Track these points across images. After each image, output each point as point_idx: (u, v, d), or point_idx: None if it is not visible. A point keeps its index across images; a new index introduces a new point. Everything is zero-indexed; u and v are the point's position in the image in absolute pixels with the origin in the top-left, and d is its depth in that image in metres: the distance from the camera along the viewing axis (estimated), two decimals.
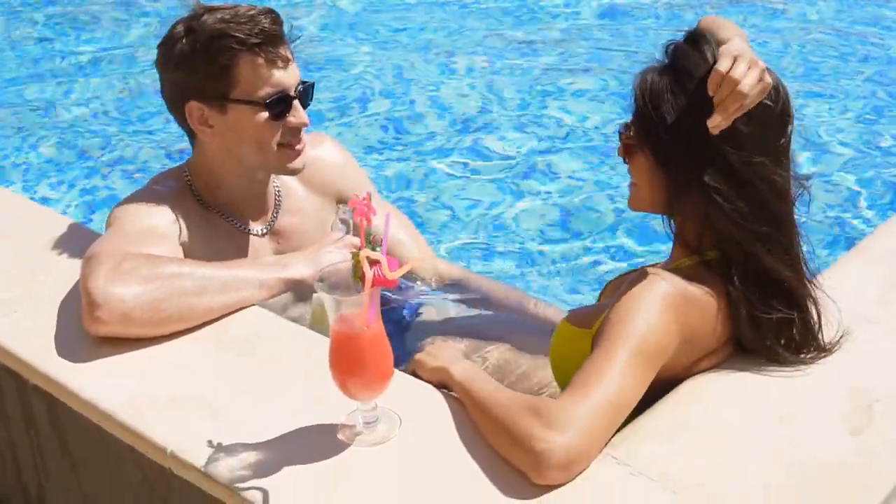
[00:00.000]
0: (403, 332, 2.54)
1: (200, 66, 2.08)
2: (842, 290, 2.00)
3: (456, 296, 2.59)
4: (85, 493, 2.01)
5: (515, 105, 4.86)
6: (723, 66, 1.67)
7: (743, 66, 1.66)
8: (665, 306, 1.66)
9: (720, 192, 1.71)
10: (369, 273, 1.51)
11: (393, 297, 2.63)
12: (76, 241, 2.23)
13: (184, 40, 2.09)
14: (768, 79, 1.69)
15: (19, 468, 2.15)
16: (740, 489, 1.55)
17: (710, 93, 1.67)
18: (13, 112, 4.92)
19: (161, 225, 2.13)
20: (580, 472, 1.53)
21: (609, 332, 1.64)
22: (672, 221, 1.85)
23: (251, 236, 2.30)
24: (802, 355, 1.81)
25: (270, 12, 2.10)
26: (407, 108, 4.85)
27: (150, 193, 2.24)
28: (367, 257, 1.50)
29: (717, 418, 1.70)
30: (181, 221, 2.17)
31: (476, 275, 2.67)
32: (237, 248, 2.26)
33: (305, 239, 2.34)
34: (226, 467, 1.62)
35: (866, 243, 2.28)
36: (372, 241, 1.54)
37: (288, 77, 2.12)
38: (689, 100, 1.72)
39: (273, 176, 2.32)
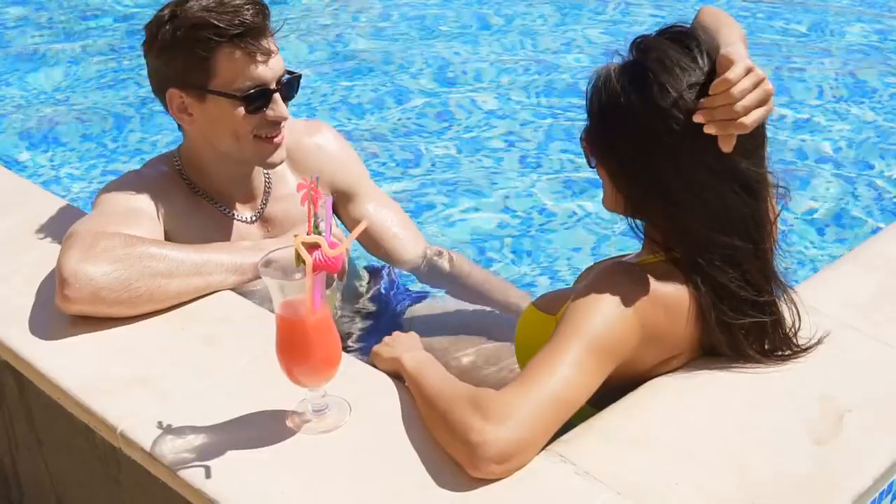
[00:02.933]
0: (399, 326, 2.52)
1: (180, 55, 2.06)
2: (830, 295, 1.95)
3: (447, 286, 2.57)
4: (49, 467, 2.03)
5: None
6: (734, 76, 1.52)
7: (749, 83, 1.53)
8: (627, 304, 1.60)
9: (681, 202, 1.63)
10: (309, 259, 1.48)
11: (384, 288, 2.62)
12: (65, 221, 2.24)
13: (167, 26, 2.07)
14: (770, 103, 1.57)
15: None
16: (686, 494, 1.49)
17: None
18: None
19: (144, 207, 2.13)
20: (519, 467, 1.49)
21: (564, 325, 1.59)
22: (636, 222, 1.80)
23: (240, 223, 2.29)
24: (778, 355, 1.74)
25: (256, 3, 2.06)
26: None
27: (138, 176, 2.25)
28: (304, 243, 1.48)
29: (675, 421, 1.65)
30: (166, 205, 2.17)
31: (470, 264, 2.63)
32: (225, 235, 2.25)
33: (295, 227, 2.32)
34: (170, 449, 1.62)
35: (862, 249, 2.19)
36: (317, 224, 1.52)
37: (268, 70, 2.08)
38: (657, 110, 1.60)
39: None
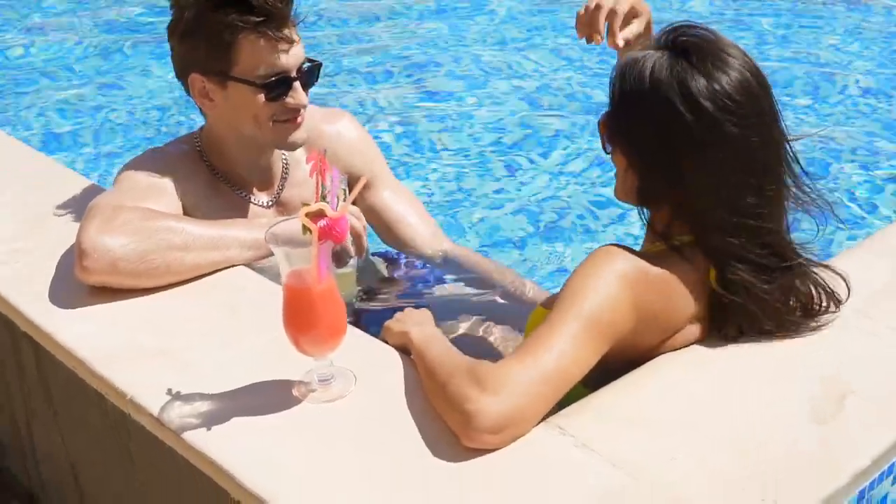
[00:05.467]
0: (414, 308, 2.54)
1: (203, 42, 2.10)
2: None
3: (463, 276, 2.59)
4: (63, 435, 2.07)
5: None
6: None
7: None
8: (621, 283, 1.62)
9: (700, 189, 1.67)
10: (314, 227, 1.51)
11: (404, 281, 2.64)
12: (85, 197, 2.29)
13: (190, 11, 2.11)
14: None
15: (13, 408, 2.22)
16: (684, 468, 1.50)
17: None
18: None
19: (164, 184, 2.17)
20: (514, 438, 1.51)
21: (560, 302, 1.60)
22: (644, 211, 1.82)
23: (256, 206, 2.32)
24: (817, 311, 1.77)
25: None
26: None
27: (159, 153, 2.30)
28: (309, 213, 1.50)
29: (675, 398, 1.65)
30: (185, 183, 2.21)
31: (482, 257, 2.65)
32: (241, 217, 2.28)
33: None
34: (177, 414, 1.65)
35: (880, 235, 2.18)
36: (325, 196, 1.55)
37: (289, 58, 2.11)
38: (691, 102, 1.62)
39: None
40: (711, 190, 1.66)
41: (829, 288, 1.79)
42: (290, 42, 2.12)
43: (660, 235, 1.75)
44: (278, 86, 2.12)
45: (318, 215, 1.51)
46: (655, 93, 1.65)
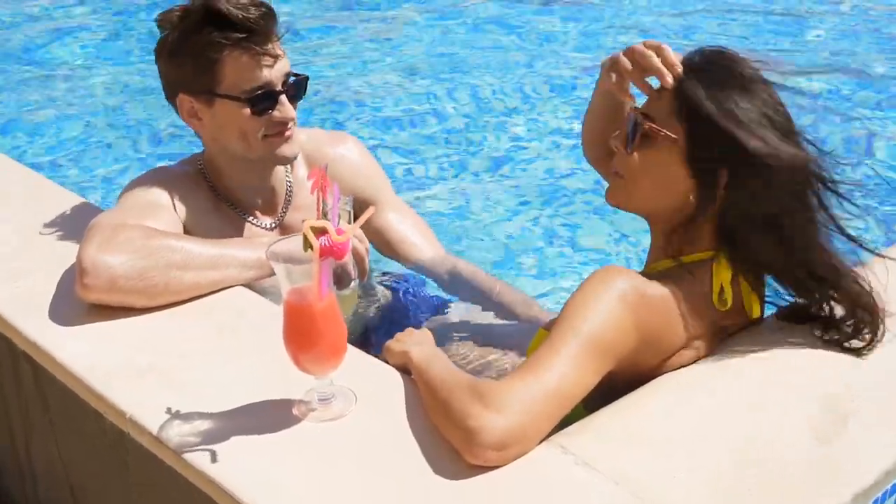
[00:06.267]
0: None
1: (189, 61, 2.11)
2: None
3: (467, 296, 2.58)
4: (62, 455, 2.06)
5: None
6: (625, 65, 1.79)
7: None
8: (622, 303, 1.62)
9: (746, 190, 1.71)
10: (316, 243, 1.51)
11: (404, 295, 2.64)
12: (84, 217, 2.28)
13: (175, 31, 2.12)
14: None
15: (11, 428, 2.21)
16: (686, 487, 1.49)
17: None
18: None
19: (165, 203, 2.17)
20: (517, 456, 1.50)
21: (561, 322, 1.60)
22: (656, 222, 1.84)
23: (259, 229, 2.32)
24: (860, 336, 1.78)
25: (262, 6, 2.10)
26: None
27: (162, 173, 2.30)
28: (313, 227, 1.50)
29: (677, 416, 1.65)
30: (187, 203, 2.21)
31: (488, 276, 2.65)
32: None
33: None
34: (177, 433, 1.64)
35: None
36: (326, 213, 1.55)
37: (274, 72, 2.12)
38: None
39: (285, 170, 2.34)
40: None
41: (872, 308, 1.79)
42: (274, 56, 2.13)
43: (673, 252, 1.77)
44: (264, 100, 2.13)
45: (320, 232, 1.51)
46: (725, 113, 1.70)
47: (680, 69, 1.75)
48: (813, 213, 1.74)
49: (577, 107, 4.80)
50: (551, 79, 5.25)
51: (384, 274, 2.77)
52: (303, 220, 1.52)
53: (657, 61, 1.76)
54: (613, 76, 1.83)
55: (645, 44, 1.79)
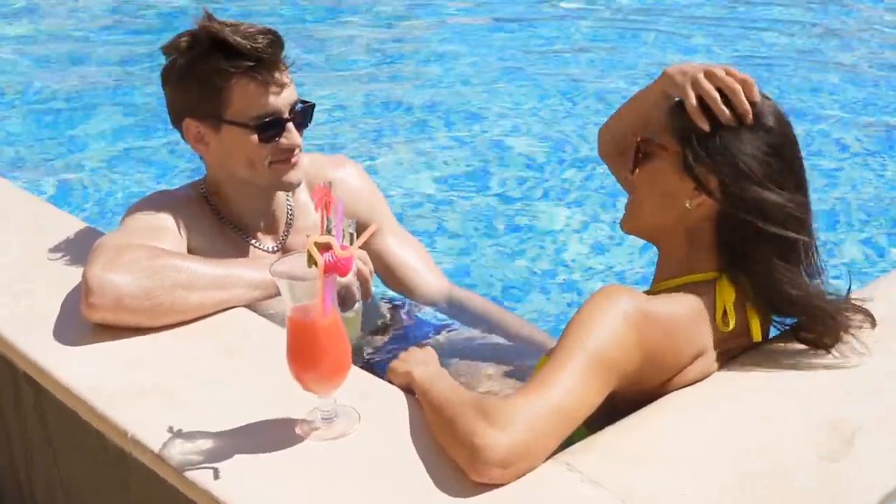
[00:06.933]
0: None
1: (196, 86, 2.12)
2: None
3: (467, 322, 2.57)
4: (61, 474, 2.05)
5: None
6: (705, 85, 1.74)
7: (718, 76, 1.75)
8: (626, 321, 1.62)
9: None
10: (320, 259, 1.50)
11: (405, 321, 2.63)
12: (87, 242, 2.28)
13: (183, 57, 2.13)
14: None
15: (12, 451, 2.20)
16: None
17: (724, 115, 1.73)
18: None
19: (169, 225, 2.17)
20: (521, 474, 1.49)
21: (565, 340, 1.60)
22: (662, 242, 1.86)
23: (261, 251, 2.32)
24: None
25: (269, 33, 2.11)
26: None
27: (165, 196, 2.30)
28: (317, 243, 1.50)
29: (684, 435, 1.64)
30: (191, 226, 2.21)
31: (488, 302, 2.64)
32: None
33: None
34: (179, 452, 1.63)
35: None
36: (331, 229, 1.54)
37: (280, 100, 2.13)
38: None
39: (286, 195, 2.35)
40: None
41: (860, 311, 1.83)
42: (281, 85, 2.14)
43: (678, 272, 1.79)
44: (271, 127, 2.13)
45: (324, 248, 1.51)
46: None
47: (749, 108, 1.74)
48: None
49: None
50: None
51: (385, 301, 2.76)
52: (307, 236, 1.52)
53: (743, 99, 1.73)
54: (693, 96, 1.76)
55: (727, 72, 1.76)
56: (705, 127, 1.73)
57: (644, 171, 1.84)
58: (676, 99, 1.81)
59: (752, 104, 1.74)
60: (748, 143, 1.72)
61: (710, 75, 1.75)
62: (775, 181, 1.72)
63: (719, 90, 1.74)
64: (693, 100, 1.75)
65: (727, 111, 1.72)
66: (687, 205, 1.76)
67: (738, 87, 1.73)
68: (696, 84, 1.75)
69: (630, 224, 1.90)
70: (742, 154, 1.71)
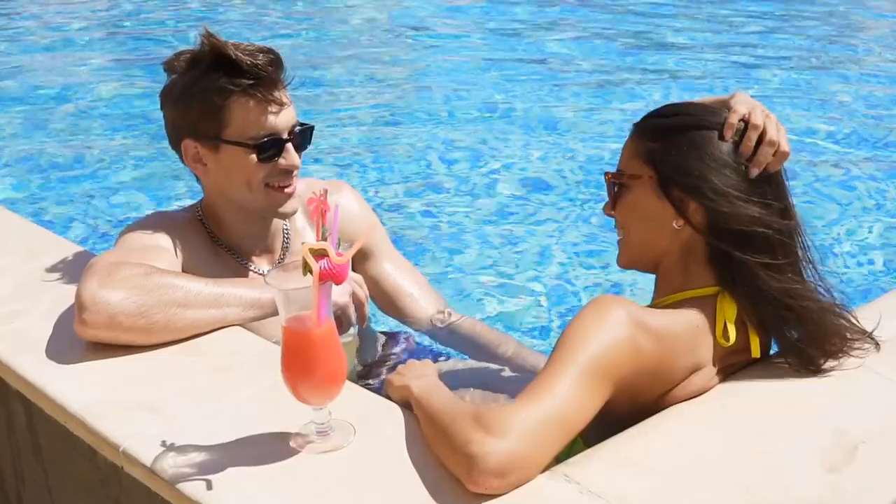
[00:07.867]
0: None
1: (195, 105, 2.11)
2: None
3: (464, 347, 2.56)
4: (51, 493, 2.01)
5: None
6: (757, 120, 1.73)
7: (772, 126, 1.74)
8: (620, 329, 1.60)
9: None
10: (316, 266, 1.49)
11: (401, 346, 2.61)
12: (82, 264, 2.27)
13: (183, 77, 2.13)
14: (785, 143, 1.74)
15: (2, 473, 2.17)
16: None
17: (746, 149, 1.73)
18: None
19: (164, 245, 2.15)
20: (518, 484, 1.46)
21: (560, 348, 1.58)
22: (658, 267, 1.86)
23: (257, 275, 2.30)
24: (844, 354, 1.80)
25: (269, 53, 2.11)
26: None
27: (161, 217, 2.30)
28: (311, 250, 1.49)
29: (684, 446, 1.62)
30: (186, 248, 2.19)
31: (485, 326, 2.63)
32: None
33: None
34: (171, 465, 1.61)
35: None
36: (326, 237, 1.53)
37: (280, 120, 2.12)
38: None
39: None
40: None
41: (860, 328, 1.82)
42: (281, 104, 2.13)
43: (677, 288, 1.78)
44: (270, 147, 2.13)
45: (319, 255, 1.49)
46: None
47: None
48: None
49: None
50: None
51: (381, 332, 2.74)
52: (302, 243, 1.51)
53: (785, 148, 1.75)
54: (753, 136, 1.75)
55: (768, 117, 1.77)
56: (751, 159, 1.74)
57: (623, 204, 1.84)
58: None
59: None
60: (720, 156, 1.73)
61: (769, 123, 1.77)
62: (753, 192, 1.72)
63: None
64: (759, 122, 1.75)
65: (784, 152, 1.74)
66: (674, 225, 1.76)
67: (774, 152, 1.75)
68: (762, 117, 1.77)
69: (625, 258, 1.90)
70: (714, 168, 1.71)
